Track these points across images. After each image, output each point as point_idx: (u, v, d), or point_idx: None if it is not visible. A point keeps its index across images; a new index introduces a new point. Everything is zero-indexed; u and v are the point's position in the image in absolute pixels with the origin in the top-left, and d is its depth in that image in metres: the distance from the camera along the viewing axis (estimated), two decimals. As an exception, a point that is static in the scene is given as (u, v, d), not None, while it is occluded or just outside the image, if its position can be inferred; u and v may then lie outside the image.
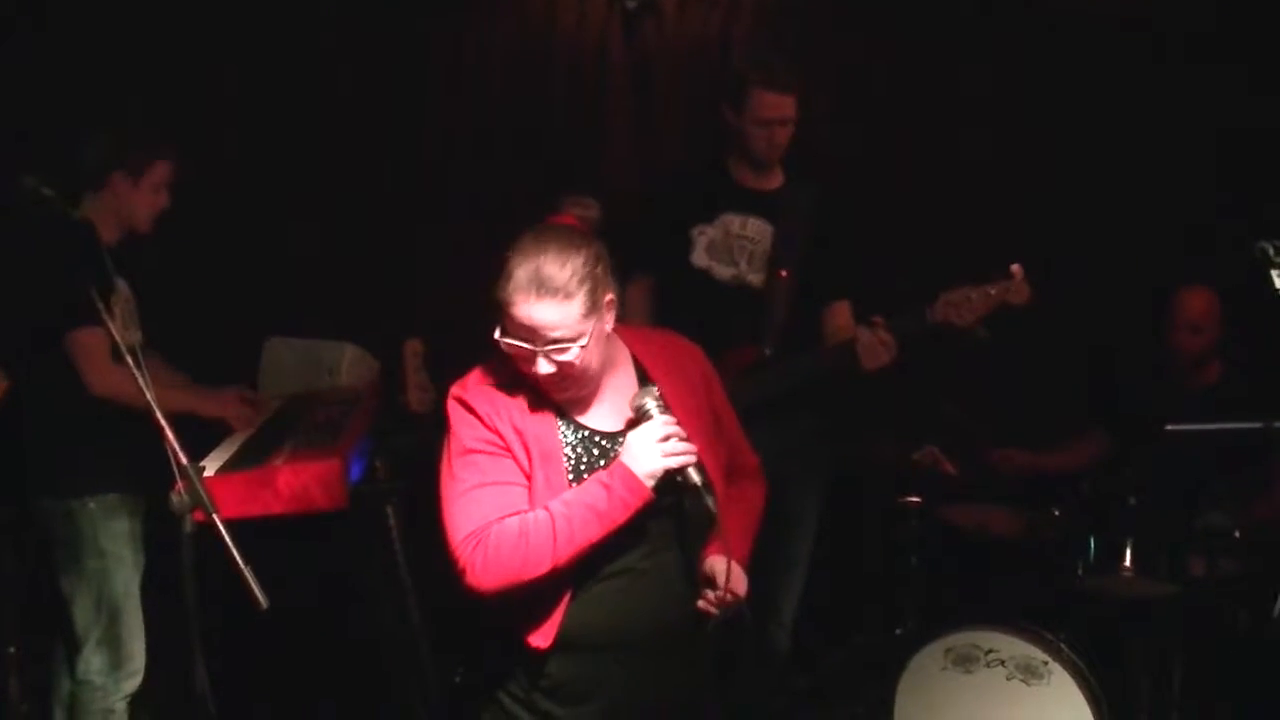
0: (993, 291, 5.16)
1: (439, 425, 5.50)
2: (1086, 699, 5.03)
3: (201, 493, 3.48)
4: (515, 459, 3.53)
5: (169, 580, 3.69)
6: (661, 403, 3.52)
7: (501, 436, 3.54)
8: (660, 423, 3.46)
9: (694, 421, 3.66)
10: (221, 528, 3.42)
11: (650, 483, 3.44)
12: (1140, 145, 6.51)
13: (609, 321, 3.57)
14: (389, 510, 5.26)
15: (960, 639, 5.17)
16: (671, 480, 3.49)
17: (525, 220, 6.21)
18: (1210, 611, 5.26)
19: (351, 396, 5.42)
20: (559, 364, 3.45)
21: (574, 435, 3.59)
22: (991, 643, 5.15)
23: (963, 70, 6.57)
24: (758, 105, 5.34)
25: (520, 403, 3.57)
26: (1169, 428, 5.01)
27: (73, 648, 5.06)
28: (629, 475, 3.44)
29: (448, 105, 6.48)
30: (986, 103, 6.57)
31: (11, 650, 5.33)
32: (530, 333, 3.43)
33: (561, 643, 3.54)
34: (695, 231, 5.43)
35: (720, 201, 5.45)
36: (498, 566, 3.42)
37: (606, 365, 3.65)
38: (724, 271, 5.42)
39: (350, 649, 5.74)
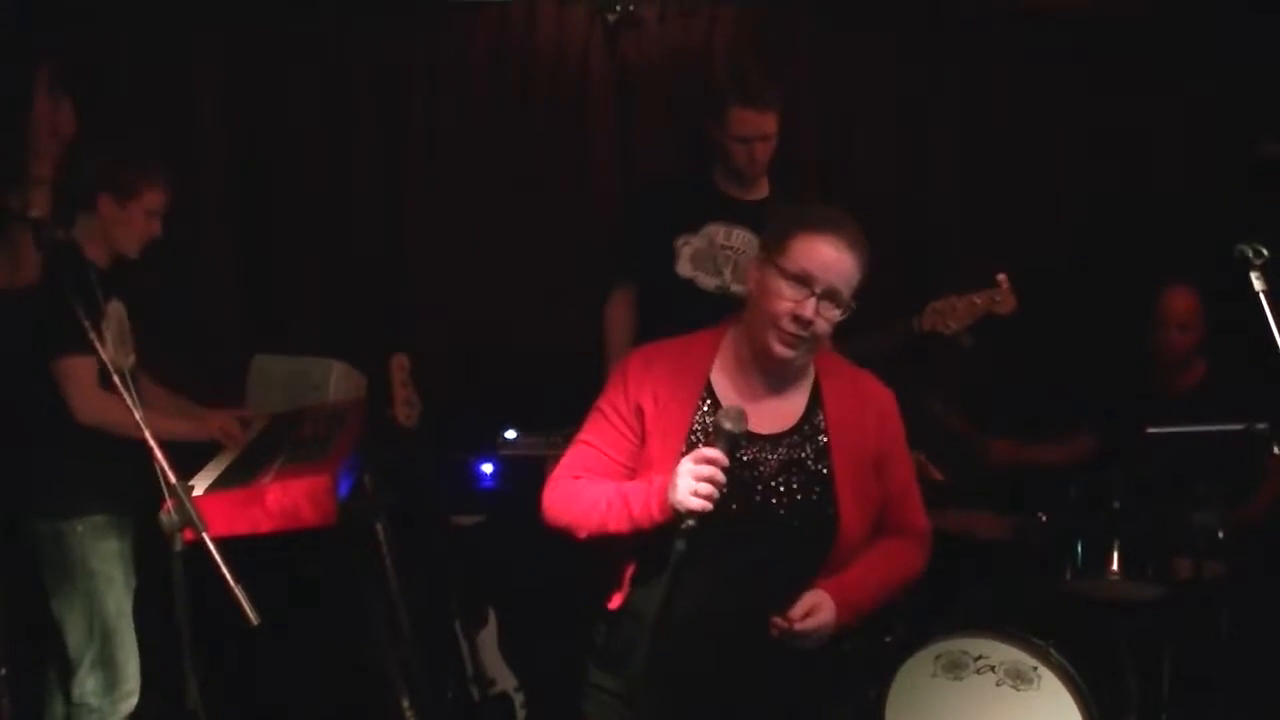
0: (978, 300, 5.20)
1: (426, 439, 5.57)
2: (1076, 703, 5.01)
3: (191, 511, 3.50)
4: (626, 431, 3.74)
5: (160, 599, 3.71)
6: (735, 435, 3.51)
7: (634, 407, 3.72)
8: (704, 457, 3.46)
9: (854, 459, 3.72)
10: (211, 546, 3.44)
11: (673, 508, 3.46)
12: (1120, 147, 6.57)
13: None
14: (378, 526, 5.27)
15: (949, 645, 5.17)
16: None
17: (509, 231, 6.31)
18: (1197, 613, 5.27)
19: (339, 412, 5.43)
20: (819, 318, 3.55)
21: (712, 413, 3.64)
22: (980, 649, 5.14)
23: (944, 75, 6.57)
24: (736, 123, 5.38)
25: (677, 374, 3.72)
26: (1150, 431, 5.04)
27: (67, 670, 5.05)
28: (661, 493, 3.49)
29: (430, 118, 6.46)
30: (967, 107, 6.58)
31: (2, 672, 5.32)
32: (813, 276, 3.55)
33: (627, 610, 3.70)
34: (680, 242, 5.46)
35: (705, 212, 5.47)
36: (557, 510, 3.73)
37: (796, 371, 3.74)
38: (709, 281, 5.44)
39: (341, 664, 5.74)
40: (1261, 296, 3.71)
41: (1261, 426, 4.64)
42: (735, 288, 5.40)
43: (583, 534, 3.64)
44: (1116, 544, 5.28)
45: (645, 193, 5.99)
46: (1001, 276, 5.20)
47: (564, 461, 3.79)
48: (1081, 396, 6.11)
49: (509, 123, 6.49)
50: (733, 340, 3.77)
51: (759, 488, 3.63)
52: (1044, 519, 5.45)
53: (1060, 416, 6.11)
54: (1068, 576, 5.35)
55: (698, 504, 3.41)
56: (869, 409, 3.81)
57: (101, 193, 5.07)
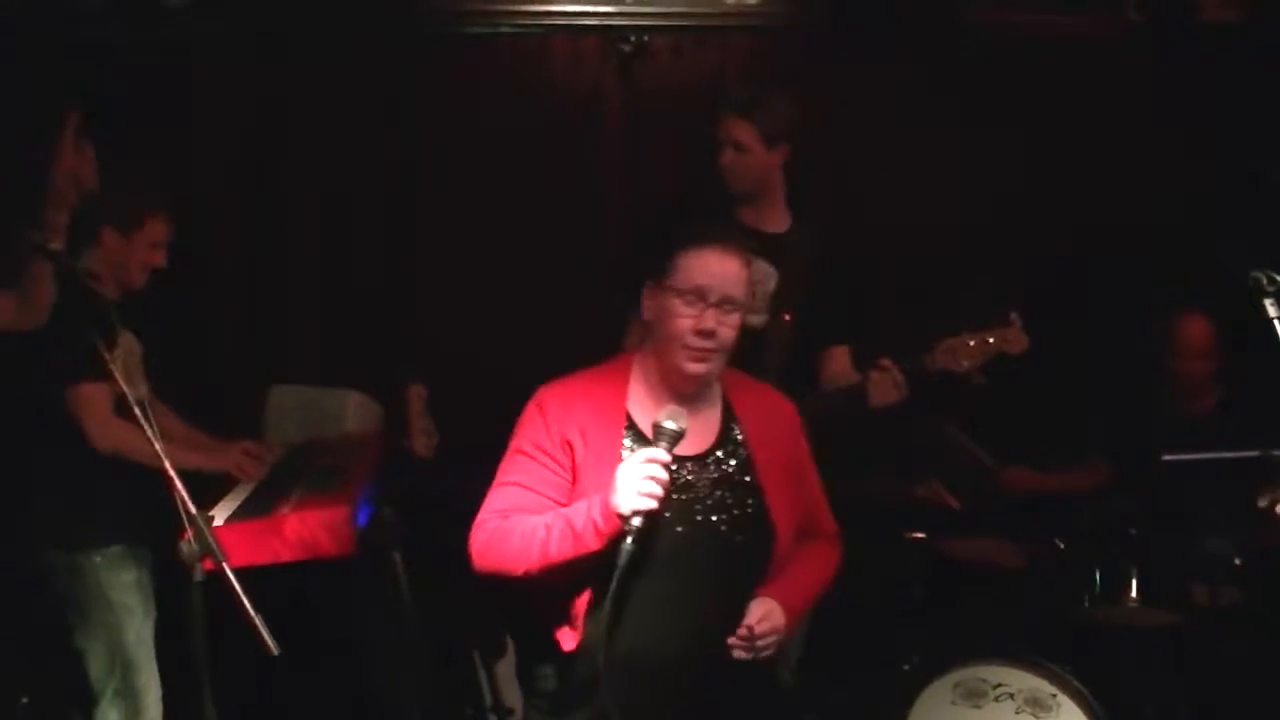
0: (990, 340, 5.19)
1: (444, 469, 5.58)
2: (1095, 730, 5.04)
3: (210, 541, 3.52)
4: (557, 469, 3.74)
5: (179, 629, 3.72)
6: (677, 432, 3.58)
7: (556, 442, 3.74)
8: (645, 458, 3.52)
9: (776, 468, 3.83)
10: (231, 576, 3.45)
11: (622, 516, 3.49)
12: (1135, 177, 6.57)
13: None
14: (395, 555, 5.28)
15: (968, 673, 5.17)
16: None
17: (524, 262, 6.32)
18: (1215, 640, 5.27)
19: (357, 443, 5.46)
20: (720, 326, 3.66)
21: (636, 444, 3.71)
22: (999, 676, 5.15)
23: (963, 108, 6.58)
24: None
25: (596, 409, 3.76)
26: (1165, 458, 5.04)
27: (89, 701, 5.05)
28: (604, 503, 3.52)
29: (443, 149, 6.49)
30: (985, 136, 6.59)
31: (25, 701, 5.34)
32: (704, 289, 3.67)
33: (584, 647, 3.68)
34: None
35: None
36: (488, 553, 3.71)
37: (707, 390, 3.82)
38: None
39: (360, 694, 5.74)
40: (1276, 324, 3.72)
41: (1277, 453, 4.65)
42: (752, 319, 5.40)
43: (521, 569, 3.63)
44: (1134, 571, 5.27)
45: (661, 219, 5.96)
46: (1014, 315, 5.20)
47: (487, 505, 3.79)
48: (1097, 424, 6.11)
49: (522, 154, 6.51)
50: (640, 370, 3.85)
51: (698, 507, 3.71)
52: (1061, 546, 5.44)
53: (1076, 444, 6.10)
54: (1085, 603, 5.34)
55: (645, 504, 3.46)
56: (778, 418, 3.97)
57: (105, 225, 5.08)
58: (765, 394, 4.06)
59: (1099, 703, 5.05)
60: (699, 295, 3.67)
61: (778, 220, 5.52)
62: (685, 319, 3.67)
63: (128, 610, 5.01)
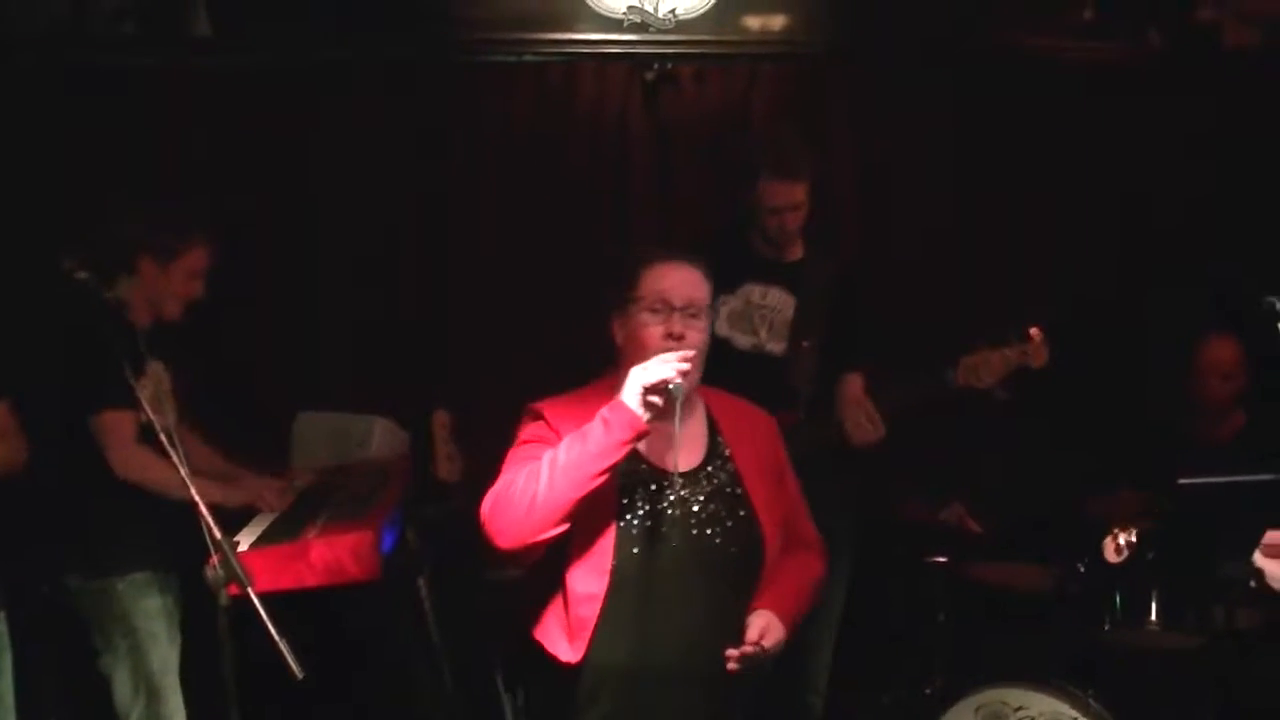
0: (1011, 354, 5.23)
1: (469, 495, 5.59)
2: (1117, 753, 5.05)
3: (236, 566, 3.55)
4: None
5: (205, 654, 3.75)
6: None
7: (557, 435, 3.76)
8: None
9: (761, 479, 3.90)
10: (256, 600, 3.48)
11: (635, 404, 3.58)
12: (1153, 201, 6.60)
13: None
14: (420, 581, 5.31)
15: (990, 696, 5.17)
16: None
17: (550, 289, 6.35)
18: (1237, 664, 5.27)
19: (382, 469, 5.48)
20: (690, 336, 3.72)
21: (629, 461, 3.72)
22: (1021, 699, 5.15)
23: (987, 134, 6.61)
24: (767, 194, 5.40)
25: (586, 423, 3.71)
26: (1183, 481, 5.05)
27: None
28: (617, 402, 3.62)
29: (470, 177, 6.53)
30: (1005, 164, 6.62)
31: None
32: (666, 299, 3.76)
33: (590, 661, 3.71)
34: (718, 301, 5.49)
35: (742, 272, 5.50)
36: (497, 511, 3.69)
37: (688, 406, 3.80)
38: (744, 340, 5.47)
39: (385, 718, 5.77)
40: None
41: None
42: (770, 347, 5.44)
43: (539, 515, 3.60)
44: (1155, 594, 5.28)
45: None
46: (1034, 330, 5.23)
47: (496, 485, 3.77)
48: (1121, 450, 6.10)
49: (548, 181, 6.55)
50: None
51: (692, 521, 3.77)
52: (1082, 569, 5.45)
53: (1102, 473, 6.10)
54: (1107, 626, 5.35)
55: (656, 375, 3.57)
56: (760, 428, 4.05)
57: (142, 255, 5.10)
58: (744, 408, 4.12)
59: (1120, 726, 5.07)
60: (663, 302, 3.76)
61: (794, 249, 5.56)
62: (654, 327, 3.76)
63: (152, 636, 5.02)
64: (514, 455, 3.84)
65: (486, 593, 5.87)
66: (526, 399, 6.20)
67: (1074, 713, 5.08)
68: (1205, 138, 6.58)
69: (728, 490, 3.85)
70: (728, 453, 3.92)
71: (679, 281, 3.79)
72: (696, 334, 3.77)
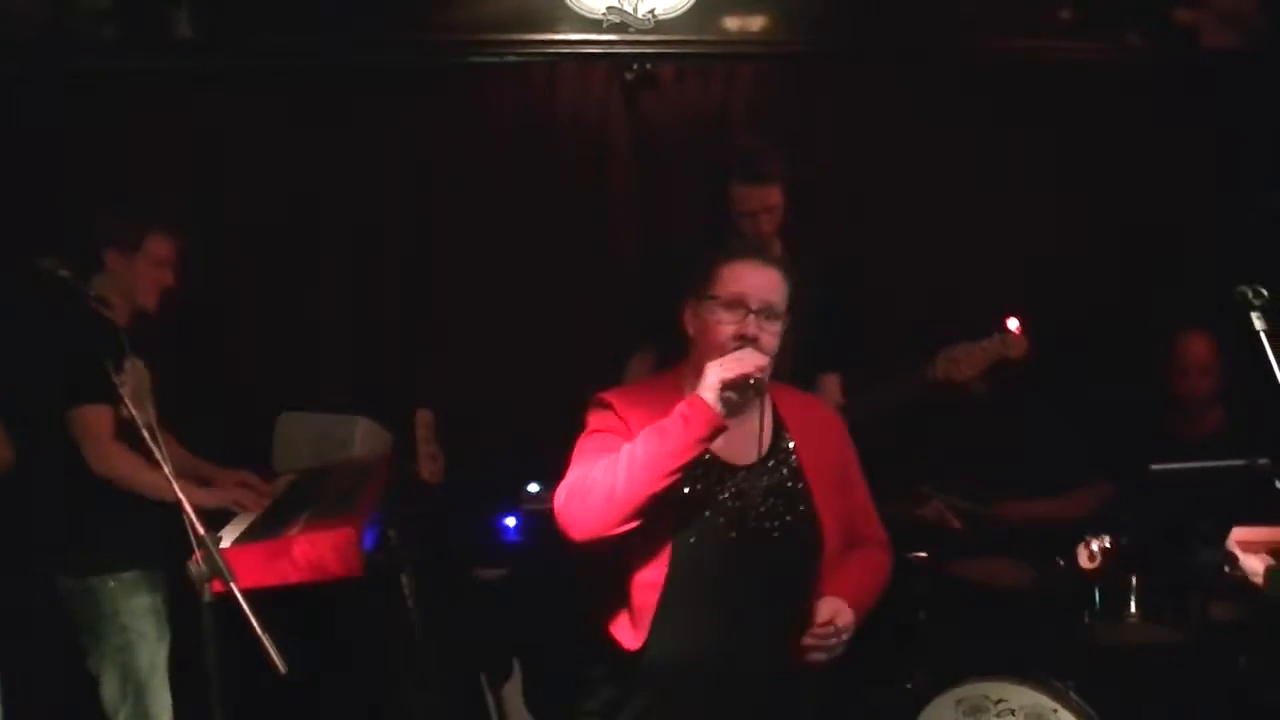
0: (990, 346, 5.26)
1: (450, 494, 5.62)
2: (1097, 745, 5.07)
3: (219, 562, 3.55)
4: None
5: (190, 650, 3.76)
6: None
7: (629, 426, 3.77)
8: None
9: (824, 476, 3.90)
10: (240, 596, 3.49)
11: (713, 399, 3.58)
12: (1127, 191, 6.65)
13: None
14: (403, 578, 5.32)
15: (970, 690, 5.19)
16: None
17: (531, 289, 6.37)
18: (1215, 657, 5.30)
19: (364, 468, 5.49)
20: (763, 339, 3.72)
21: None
22: (1001, 693, 5.17)
23: (965, 134, 6.65)
24: (737, 198, 5.42)
25: (662, 407, 3.74)
26: (1154, 467, 5.08)
27: None
28: (695, 398, 3.62)
29: (452, 179, 6.56)
30: (979, 160, 6.66)
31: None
32: (745, 296, 3.75)
33: (649, 648, 3.74)
34: None
35: None
36: (572, 503, 3.66)
37: (753, 403, 3.82)
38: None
39: (369, 717, 5.78)
40: (1262, 336, 3.75)
41: (1263, 462, 4.67)
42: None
43: (616, 509, 3.60)
44: (1134, 588, 5.30)
45: (663, 257, 6.03)
46: (1012, 320, 5.27)
47: (570, 476, 3.77)
48: (1098, 444, 6.13)
49: (530, 182, 6.57)
50: (691, 383, 3.81)
51: (751, 514, 3.78)
52: (1062, 564, 5.47)
53: (1076, 465, 6.13)
54: (1086, 620, 5.37)
55: (731, 371, 3.59)
56: (825, 428, 4.04)
57: (108, 249, 5.13)
58: (812, 404, 4.16)
59: (1100, 718, 5.08)
60: (739, 302, 3.75)
61: (772, 250, 5.57)
62: (727, 326, 3.75)
63: (141, 635, 5.04)
64: (583, 445, 3.86)
65: (471, 591, 5.92)
66: (508, 398, 6.27)
67: (1054, 705, 5.10)
68: (1186, 137, 6.61)
69: (788, 485, 3.86)
70: (791, 448, 3.92)
71: (758, 283, 3.78)
72: (770, 337, 3.76)
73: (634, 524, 3.63)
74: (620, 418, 3.84)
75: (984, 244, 6.63)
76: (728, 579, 3.75)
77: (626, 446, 3.67)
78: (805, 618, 3.79)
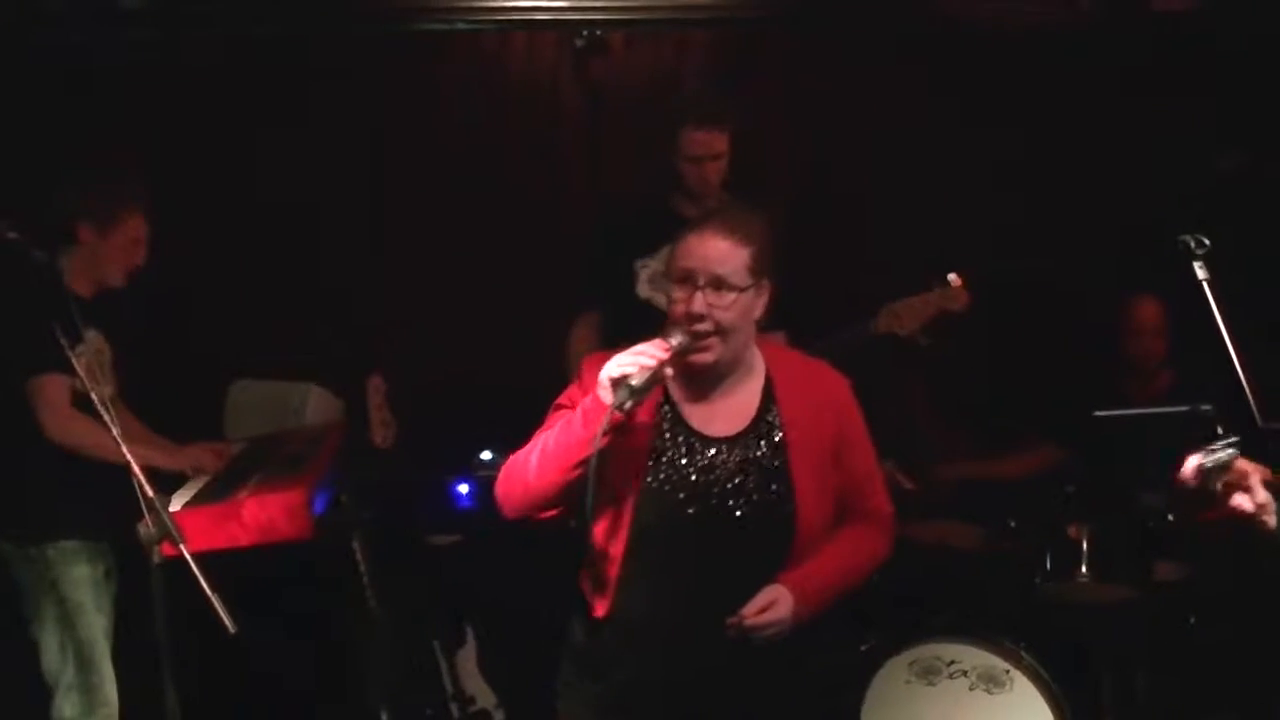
0: (932, 299, 5.30)
1: (403, 460, 5.61)
2: (1049, 705, 5.07)
3: (169, 525, 3.54)
4: None
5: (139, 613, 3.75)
6: (680, 346, 3.60)
7: (587, 394, 3.67)
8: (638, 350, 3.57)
9: (810, 453, 3.76)
10: (189, 558, 3.48)
11: (605, 395, 3.52)
12: (1077, 154, 6.68)
13: (758, 310, 3.73)
14: (355, 544, 5.31)
15: (923, 651, 5.22)
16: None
17: (483, 256, 6.36)
18: (1168, 616, 5.34)
19: (316, 434, 5.48)
20: (713, 308, 3.60)
21: (670, 422, 3.73)
22: (954, 654, 5.19)
23: (920, 98, 6.65)
24: (687, 144, 5.40)
25: None
26: (1097, 414, 5.10)
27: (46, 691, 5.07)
28: (594, 393, 3.57)
29: (402, 145, 6.55)
30: (928, 118, 6.67)
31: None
32: (693, 270, 3.63)
33: (612, 619, 3.71)
34: (639, 264, 5.51)
35: (662, 234, 5.49)
36: (504, 481, 3.72)
37: (740, 369, 3.79)
38: (665, 302, 5.48)
39: (321, 682, 5.78)
40: (1205, 285, 3.76)
41: (1206, 408, 4.69)
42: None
43: (532, 497, 3.66)
44: (1085, 548, 5.34)
45: (606, 217, 6.02)
46: (953, 275, 5.31)
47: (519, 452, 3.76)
48: (1046, 405, 6.17)
49: (481, 149, 6.58)
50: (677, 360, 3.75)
51: (715, 489, 3.69)
52: (1014, 525, 5.50)
53: (1026, 426, 6.17)
54: (1038, 580, 5.41)
55: (618, 371, 3.50)
56: (824, 397, 3.85)
57: (81, 223, 5.08)
58: (816, 374, 3.95)
59: (1052, 678, 5.11)
60: (688, 277, 3.64)
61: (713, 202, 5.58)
62: (678, 304, 3.65)
63: (80, 606, 5.02)
64: (548, 418, 3.81)
65: (424, 557, 5.92)
66: (461, 365, 6.27)
67: (1006, 665, 5.14)
68: (1137, 100, 6.64)
69: (766, 463, 3.74)
70: (778, 423, 3.78)
71: (706, 255, 3.64)
72: (723, 312, 3.62)
73: (555, 509, 3.67)
74: (584, 387, 3.75)
75: (935, 206, 6.64)
76: (681, 556, 3.66)
77: (544, 436, 3.66)
78: None
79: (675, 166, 5.47)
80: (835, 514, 3.84)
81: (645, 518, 3.68)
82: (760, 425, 3.77)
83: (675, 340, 3.58)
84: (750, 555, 3.69)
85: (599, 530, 3.70)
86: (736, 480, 3.71)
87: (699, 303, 3.61)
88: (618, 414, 3.51)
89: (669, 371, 3.58)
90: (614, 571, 3.70)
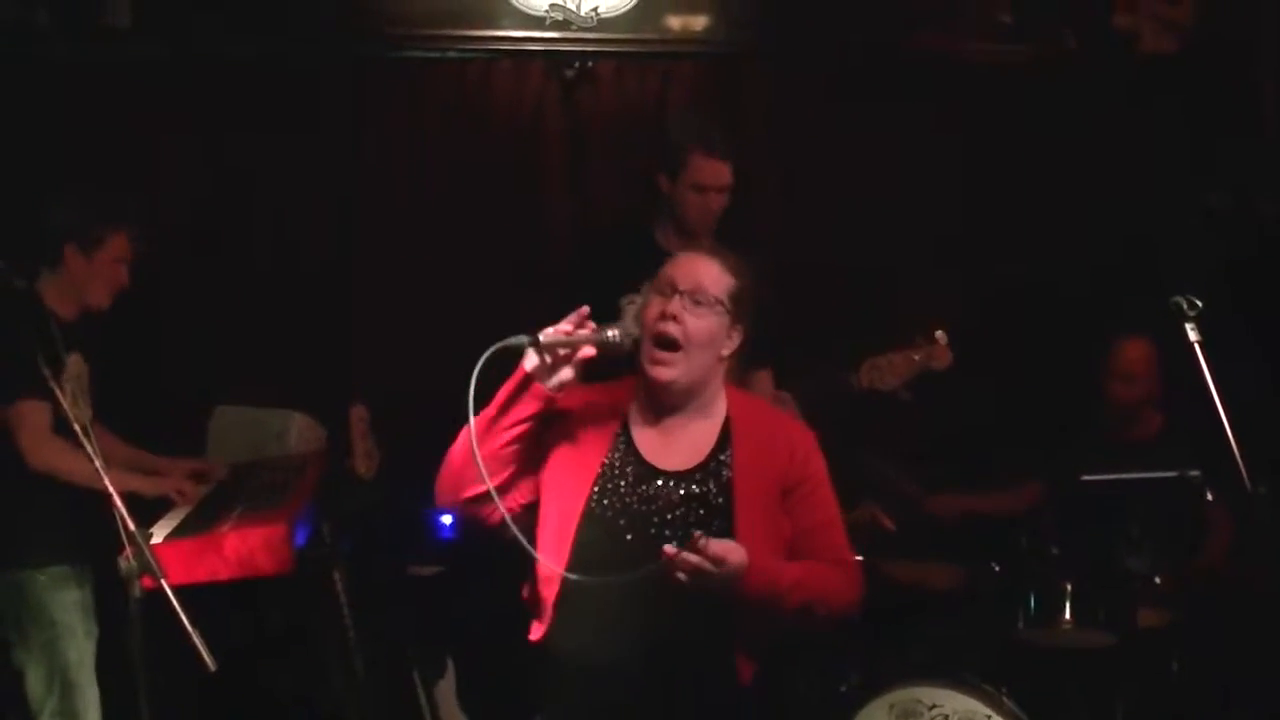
0: (916, 357, 5.28)
1: (385, 490, 5.59)
2: (1029, 750, 5.08)
3: (149, 558, 3.50)
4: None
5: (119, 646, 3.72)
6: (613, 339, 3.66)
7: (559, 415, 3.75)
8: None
9: (756, 496, 3.75)
10: (170, 593, 3.45)
11: (529, 364, 3.67)
12: (1070, 198, 6.67)
13: (728, 349, 3.79)
14: (336, 574, 5.29)
15: (903, 695, 5.17)
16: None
17: (467, 287, 6.34)
18: (1149, 662, 5.33)
19: (298, 462, 5.47)
20: (685, 316, 3.66)
21: (623, 450, 3.77)
22: (934, 698, 5.15)
23: (903, 134, 6.66)
24: (695, 171, 5.31)
25: (600, 407, 3.81)
26: (1085, 478, 5.10)
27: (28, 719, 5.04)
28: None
29: (386, 173, 6.56)
30: (924, 162, 6.67)
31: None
32: (675, 281, 3.72)
33: (548, 643, 3.72)
34: (624, 301, 5.47)
35: (647, 270, 5.47)
36: (441, 471, 3.82)
37: (700, 405, 3.82)
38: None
39: (301, 713, 5.75)
40: (1196, 348, 3.76)
41: (1194, 474, 4.69)
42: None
43: (455, 475, 3.74)
44: (1068, 593, 5.32)
45: (590, 251, 5.95)
46: (940, 333, 5.28)
47: None
48: (1032, 445, 6.16)
49: (464, 178, 6.56)
50: (641, 386, 3.82)
51: (655, 520, 3.70)
52: (997, 568, 5.49)
53: (1011, 465, 6.16)
54: (1020, 625, 5.39)
55: (556, 337, 3.63)
56: (780, 443, 3.86)
57: (67, 245, 5.07)
58: (776, 422, 3.99)
59: (1032, 723, 5.10)
60: (668, 287, 3.71)
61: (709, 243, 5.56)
62: (654, 309, 3.71)
63: (69, 630, 5.00)
64: None
65: (405, 588, 5.89)
66: (445, 394, 6.23)
67: (987, 710, 5.09)
68: (1121, 139, 6.64)
69: (712, 500, 3.73)
70: (729, 461, 3.78)
71: (691, 269, 3.75)
72: (697, 324, 3.67)
73: (476, 487, 3.65)
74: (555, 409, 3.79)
75: (920, 243, 6.64)
76: (616, 587, 3.57)
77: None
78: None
79: (674, 196, 5.39)
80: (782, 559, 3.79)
81: (585, 539, 3.69)
82: (711, 464, 3.79)
83: (612, 332, 3.65)
84: (684, 591, 3.56)
85: (539, 551, 3.70)
86: (678, 512, 3.72)
87: (675, 305, 3.68)
88: (536, 384, 3.64)
89: (585, 352, 3.64)
90: (552, 594, 3.71)
